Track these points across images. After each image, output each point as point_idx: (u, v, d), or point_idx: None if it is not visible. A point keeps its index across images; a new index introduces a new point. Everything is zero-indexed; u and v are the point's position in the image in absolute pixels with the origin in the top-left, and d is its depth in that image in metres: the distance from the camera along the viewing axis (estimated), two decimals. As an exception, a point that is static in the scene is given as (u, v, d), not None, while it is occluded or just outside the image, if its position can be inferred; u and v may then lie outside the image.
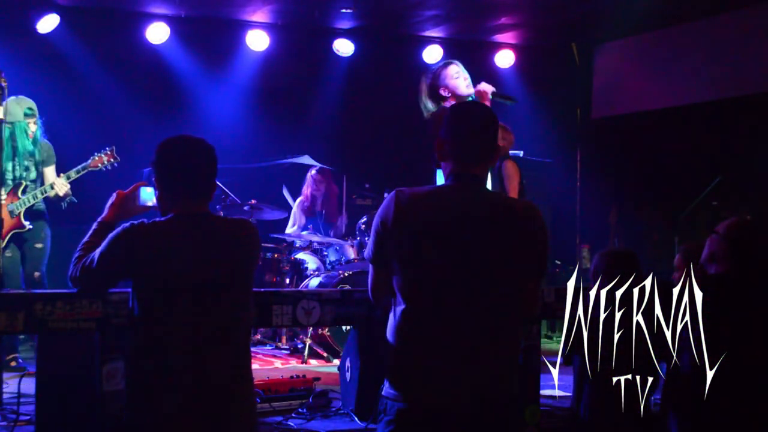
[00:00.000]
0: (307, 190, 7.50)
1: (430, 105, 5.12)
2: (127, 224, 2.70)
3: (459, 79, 4.92)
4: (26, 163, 5.79)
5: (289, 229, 7.46)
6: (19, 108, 5.76)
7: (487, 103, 4.92)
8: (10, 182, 5.71)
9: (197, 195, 2.75)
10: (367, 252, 2.65)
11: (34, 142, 5.82)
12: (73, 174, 5.72)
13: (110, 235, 2.70)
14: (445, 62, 5.07)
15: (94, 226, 2.95)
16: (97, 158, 5.69)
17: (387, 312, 2.59)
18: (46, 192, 5.75)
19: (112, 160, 5.70)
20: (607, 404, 3.18)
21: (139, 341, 2.64)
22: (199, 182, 2.76)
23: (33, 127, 5.81)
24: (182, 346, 2.60)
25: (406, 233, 2.49)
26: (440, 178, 3.22)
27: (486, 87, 5.01)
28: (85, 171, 5.69)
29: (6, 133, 5.46)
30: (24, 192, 5.75)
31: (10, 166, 5.69)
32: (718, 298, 3.15)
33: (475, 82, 4.99)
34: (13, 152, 5.73)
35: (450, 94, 4.97)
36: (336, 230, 7.50)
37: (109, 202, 3.02)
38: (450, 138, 2.60)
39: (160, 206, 2.80)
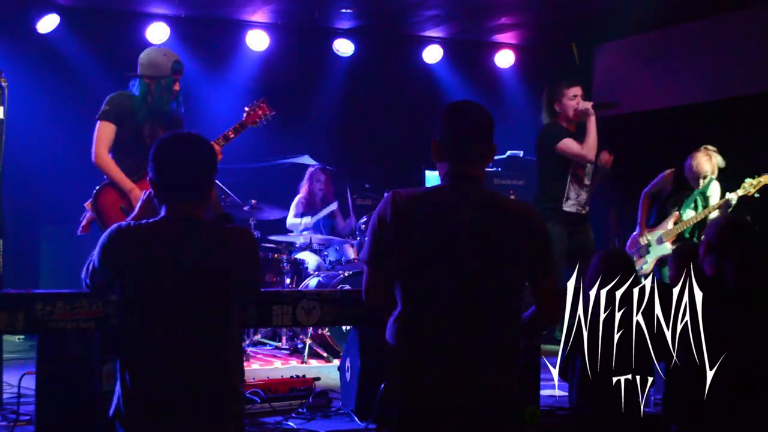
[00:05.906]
0: (306, 186, 7.51)
1: (545, 116, 5.37)
2: (114, 227, 2.61)
3: (573, 101, 5.23)
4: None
5: (290, 219, 7.44)
6: (165, 60, 4.67)
7: (593, 119, 5.18)
8: None
9: (187, 196, 2.62)
10: (363, 253, 2.64)
11: (177, 104, 4.69)
12: (231, 134, 4.67)
13: (100, 241, 2.62)
14: (569, 81, 5.26)
15: None
16: (252, 112, 4.78)
17: (384, 313, 2.59)
18: None
19: (267, 113, 4.82)
20: (605, 404, 3.18)
21: (123, 341, 2.59)
22: (187, 183, 2.63)
23: (177, 86, 4.68)
24: (163, 350, 2.53)
25: (403, 234, 2.49)
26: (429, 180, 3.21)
27: (584, 104, 5.24)
28: (244, 129, 4.73)
29: (142, 89, 4.64)
30: None
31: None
32: (716, 298, 3.16)
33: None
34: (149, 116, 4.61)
35: (561, 112, 5.24)
36: (336, 226, 7.50)
37: (140, 200, 2.94)
38: (445, 138, 2.59)
39: (157, 205, 2.69)
